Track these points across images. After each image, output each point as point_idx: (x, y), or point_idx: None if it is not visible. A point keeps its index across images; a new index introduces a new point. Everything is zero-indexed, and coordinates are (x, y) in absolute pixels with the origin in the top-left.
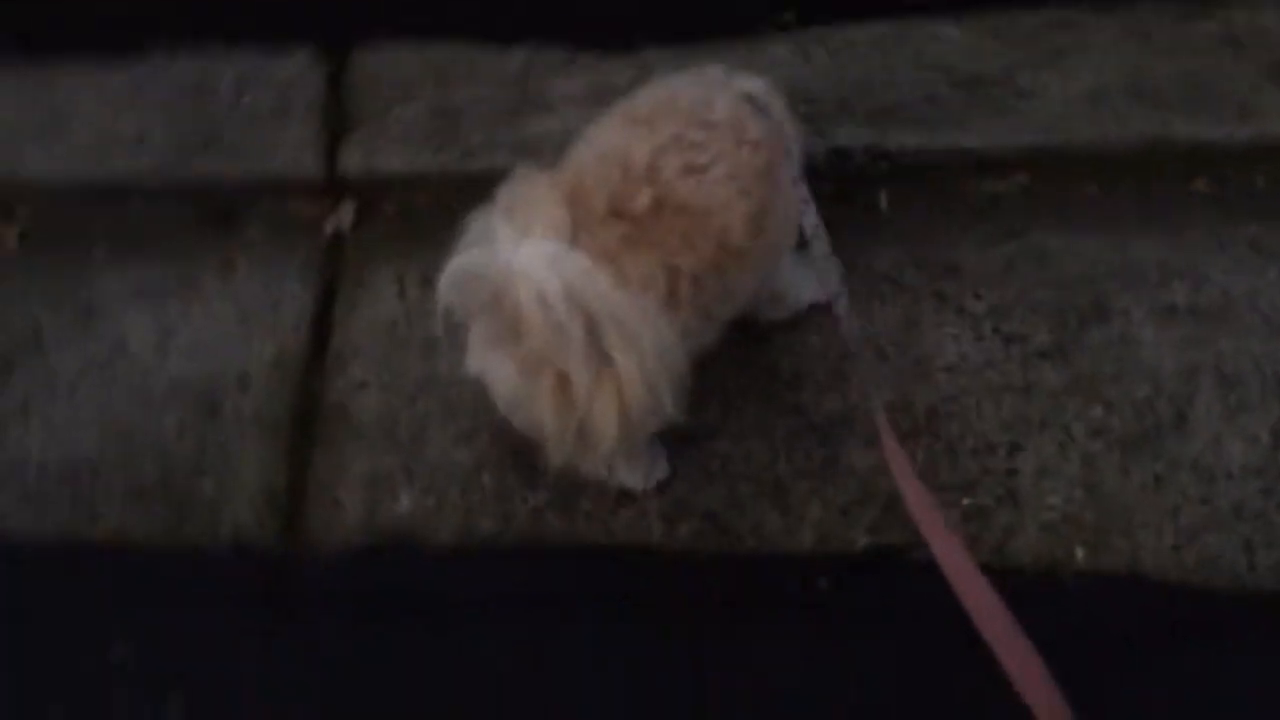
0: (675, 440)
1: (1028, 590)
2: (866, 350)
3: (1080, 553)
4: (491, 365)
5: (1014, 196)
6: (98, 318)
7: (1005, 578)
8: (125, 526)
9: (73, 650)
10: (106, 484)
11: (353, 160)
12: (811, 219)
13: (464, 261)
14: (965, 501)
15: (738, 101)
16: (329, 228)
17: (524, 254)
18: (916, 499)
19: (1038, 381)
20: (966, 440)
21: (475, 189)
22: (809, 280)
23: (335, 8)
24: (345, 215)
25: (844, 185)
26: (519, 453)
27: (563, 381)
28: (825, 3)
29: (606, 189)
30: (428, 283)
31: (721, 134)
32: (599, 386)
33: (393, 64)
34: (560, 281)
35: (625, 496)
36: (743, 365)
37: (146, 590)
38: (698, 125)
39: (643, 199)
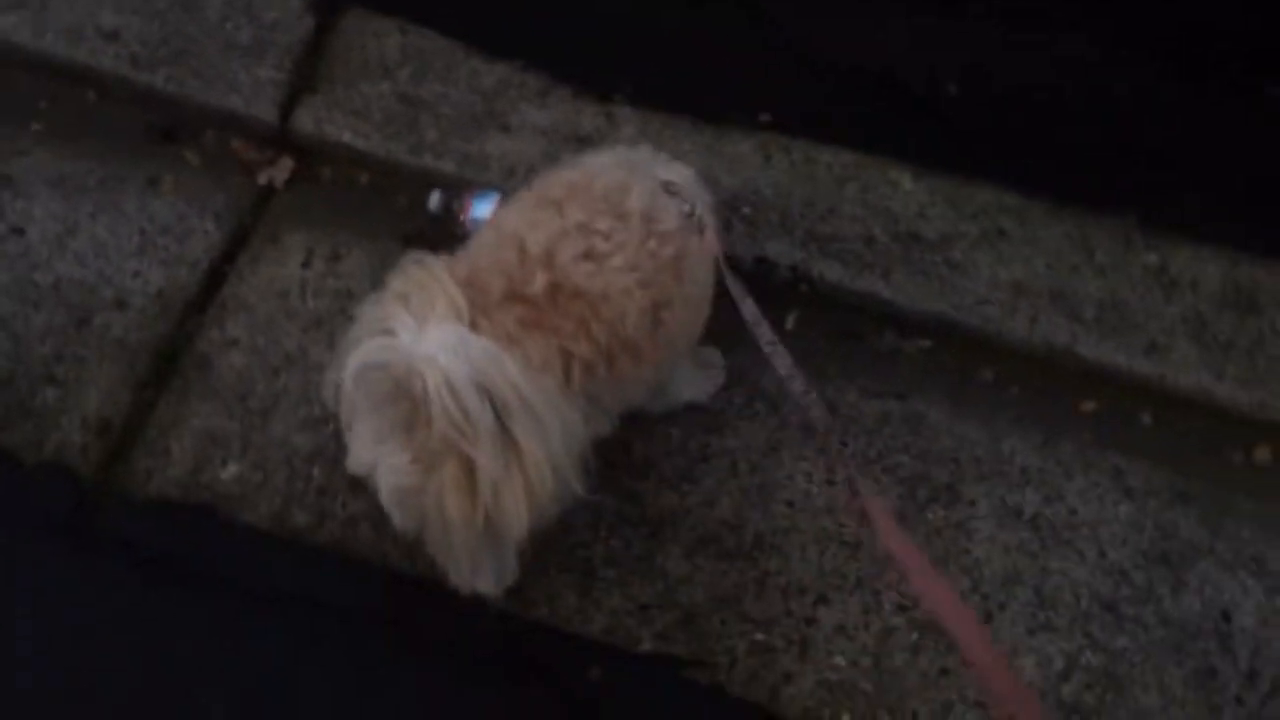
0: None
1: None
2: (723, 461)
3: (845, 719)
4: (383, 458)
5: (913, 358)
6: (12, 192)
7: None
8: None
9: None
10: None
11: (306, 119)
12: (750, 310)
13: (366, 353)
14: (758, 636)
15: (655, 190)
16: (263, 178)
17: (427, 341)
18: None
19: (868, 541)
20: (780, 577)
21: (415, 183)
22: (695, 379)
23: None
24: (282, 170)
25: (760, 296)
26: None
27: (467, 470)
28: (807, 116)
29: (503, 273)
30: (336, 258)
31: (631, 224)
32: (508, 474)
33: (379, 37)
34: (468, 367)
35: None
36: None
37: None
38: (608, 213)
39: (538, 282)
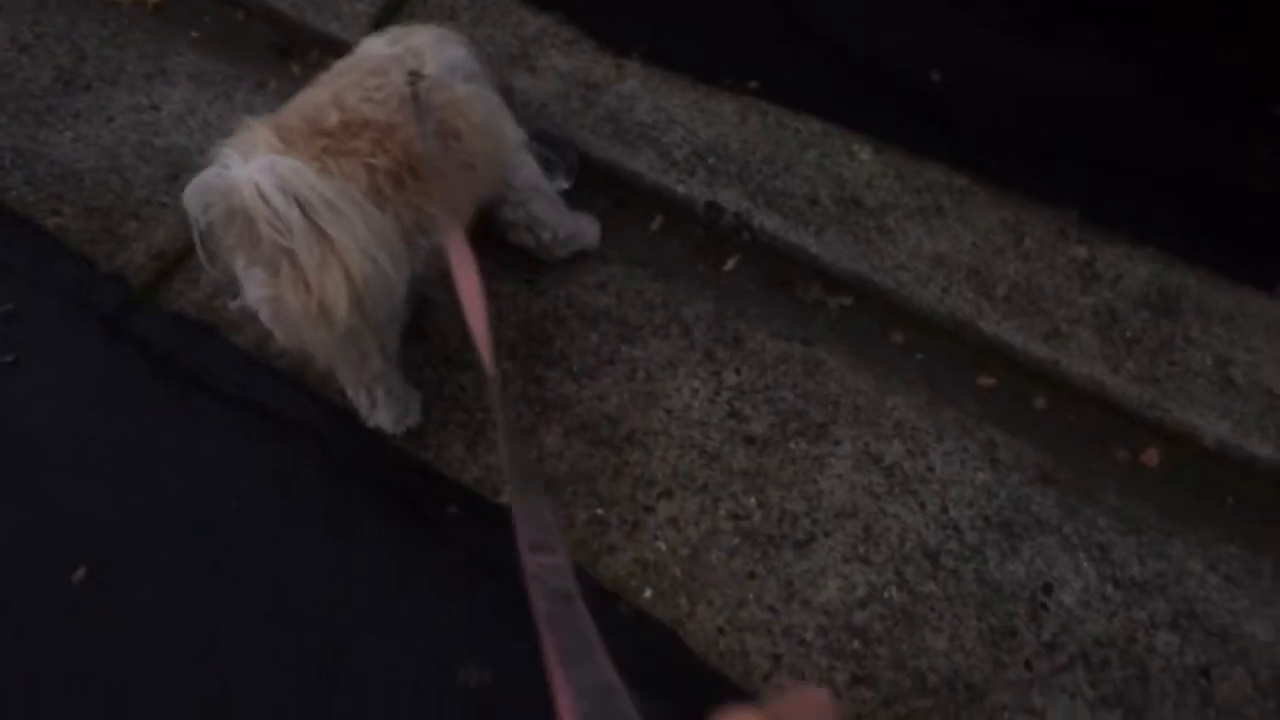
0: (442, 362)
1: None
2: (625, 367)
3: (648, 593)
4: (247, 279)
5: (833, 311)
6: (161, 80)
7: (584, 585)
8: (68, 226)
9: None
10: (77, 194)
11: None
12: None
13: (199, 179)
14: (598, 511)
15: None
16: None
17: (248, 167)
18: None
19: (726, 456)
20: (637, 469)
21: None
22: (576, 223)
23: None
24: None
25: (708, 239)
26: None
27: (297, 266)
28: (792, 88)
29: (305, 118)
30: None
31: (394, 81)
32: (325, 262)
33: None
34: (275, 179)
35: None
36: (526, 329)
37: (48, 273)
38: (373, 76)
39: (333, 117)
